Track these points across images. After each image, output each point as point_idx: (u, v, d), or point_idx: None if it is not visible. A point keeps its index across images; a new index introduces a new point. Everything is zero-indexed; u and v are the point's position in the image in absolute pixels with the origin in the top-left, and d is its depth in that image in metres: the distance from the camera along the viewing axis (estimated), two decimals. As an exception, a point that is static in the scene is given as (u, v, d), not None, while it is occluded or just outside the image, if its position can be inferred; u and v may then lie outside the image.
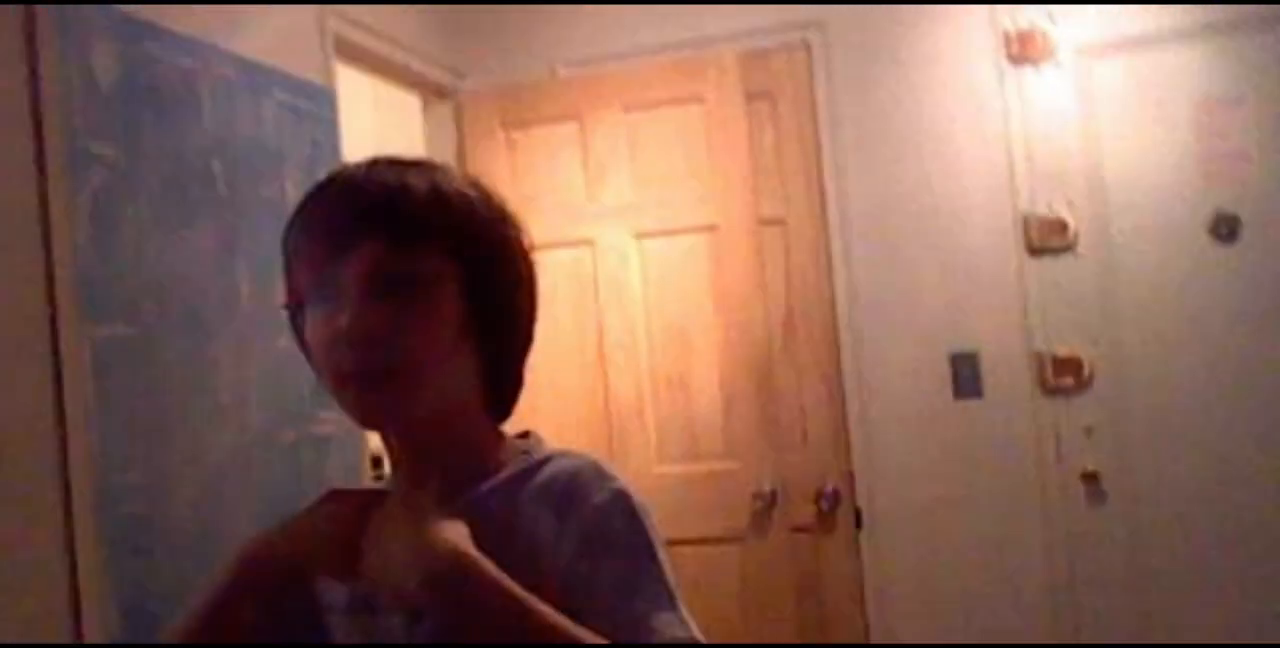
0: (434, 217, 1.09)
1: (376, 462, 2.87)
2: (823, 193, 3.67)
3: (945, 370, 3.58)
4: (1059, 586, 3.49)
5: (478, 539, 1.04)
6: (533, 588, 1.01)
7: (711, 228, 3.57)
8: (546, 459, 1.15)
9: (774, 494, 3.47)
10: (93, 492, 1.99)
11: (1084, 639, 3.45)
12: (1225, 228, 3.43)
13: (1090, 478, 3.49)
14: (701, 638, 1.08)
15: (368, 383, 1.06)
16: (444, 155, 3.71)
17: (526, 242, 1.17)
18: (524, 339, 1.18)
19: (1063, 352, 3.52)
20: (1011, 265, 3.57)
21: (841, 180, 3.66)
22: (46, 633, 1.90)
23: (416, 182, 1.10)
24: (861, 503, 3.58)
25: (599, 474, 1.12)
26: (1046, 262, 3.56)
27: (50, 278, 1.98)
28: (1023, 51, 3.57)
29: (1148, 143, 3.50)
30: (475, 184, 1.15)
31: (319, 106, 2.86)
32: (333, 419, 2.63)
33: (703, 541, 3.51)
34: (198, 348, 2.28)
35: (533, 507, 1.10)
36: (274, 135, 2.65)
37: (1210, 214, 3.43)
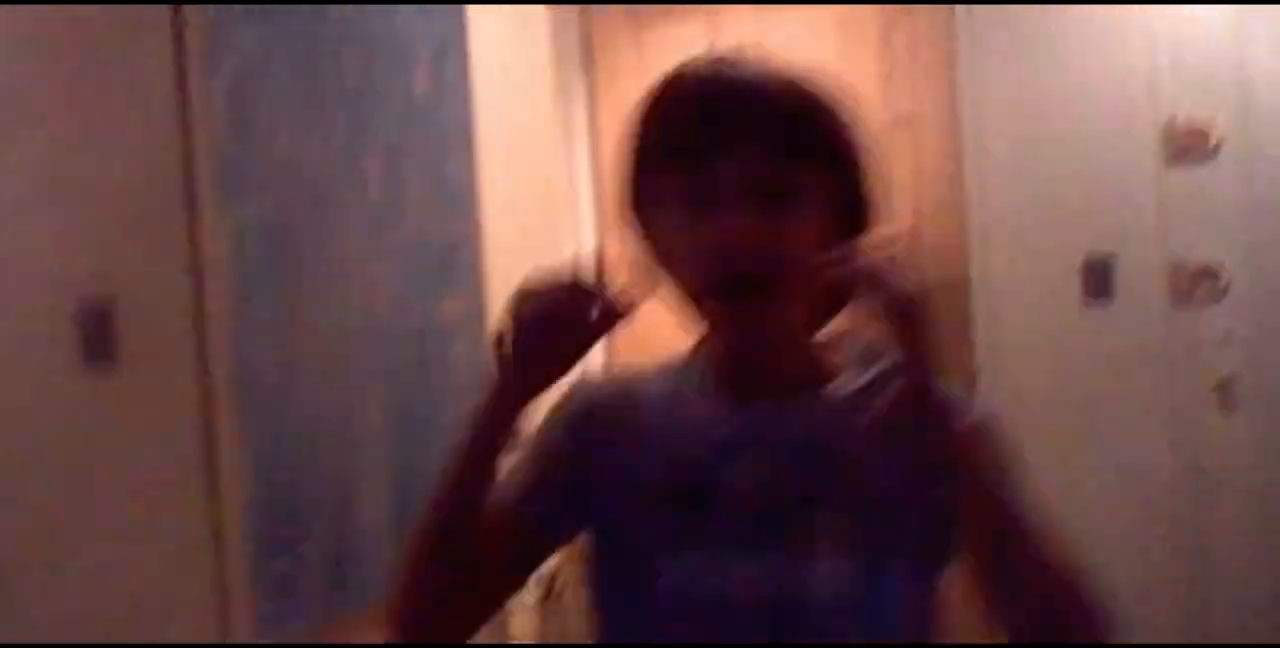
0: (822, 126, 1.06)
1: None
2: (956, 93, 3.59)
3: (1077, 274, 3.51)
4: (1182, 492, 3.44)
5: (836, 442, 1.06)
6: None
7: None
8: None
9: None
10: (230, 365, 2.08)
11: (1207, 548, 3.41)
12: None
13: (1221, 387, 3.42)
14: None
15: (738, 290, 1.03)
16: (570, 52, 3.73)
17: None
18: None
19: (1200, 260, 3.43)
20: (1151, 171, 3.47)
21: (977, 81, 3.57)
22: (182, 500, 2.00)
23: (803, 87, 1.06)
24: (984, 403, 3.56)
25: (959, 394, 1.06)
26: (1188, 169, 3.45)
27: (189, 159, 2.05)
28: (1174, -43, 3.44)
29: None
30: (845, 96, 1.10)
31: (447, 4, 2.89)
32: (459, 308, 2.70)
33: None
34: (328, 231, 2.36)
35: (885, 422, 1.01)
36: (403, 30, 2.69)
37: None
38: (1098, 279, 3.50)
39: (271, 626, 2.00)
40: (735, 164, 1.03)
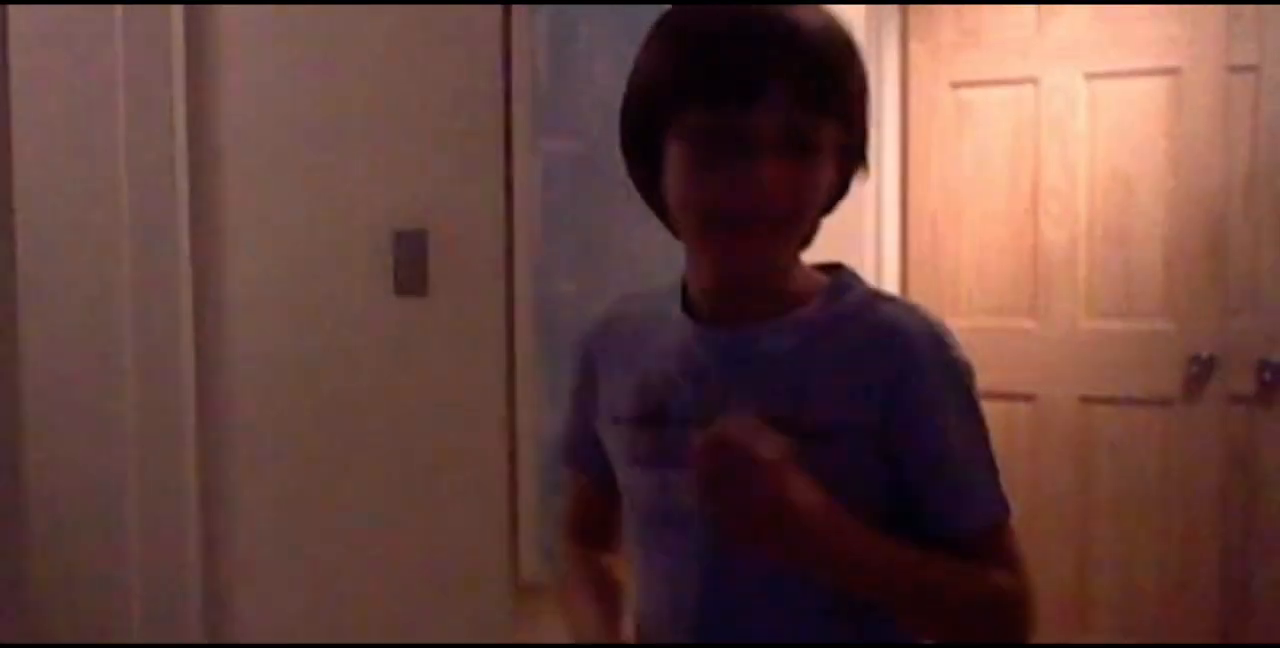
0: (852, 82, 1.08)
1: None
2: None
3: None
4: None
5: (774, 365, 1.11)
6: (815, 423, 1.06)
7: (1172, 72, 3.30)
8: (872, 301, 1.14)
9: (1211, 360, 3.24)
10: (535, 297, 2.13)
11: None
12: None
13: None
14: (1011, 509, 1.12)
15: (748, 229, 1.06)
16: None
17: None
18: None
19: None
20: None
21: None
22: (482, 433, 2.06)
23: (837, 33, 1.06)
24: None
25: (945, 340, 1.10)
26: None
27: (508, 95, 2.09)
28: None
29: None
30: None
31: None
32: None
33: (1126, 401, 3.36)
34: (634, 169, 2.37)
35: (857, 350, 1.10)
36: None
37: None
38: None
39: (557, 559, 2.05)
40: (778, 111, 1.03)
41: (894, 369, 1.08)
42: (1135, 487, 3.37)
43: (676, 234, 1.16)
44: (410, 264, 2.06)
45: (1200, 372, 3.26)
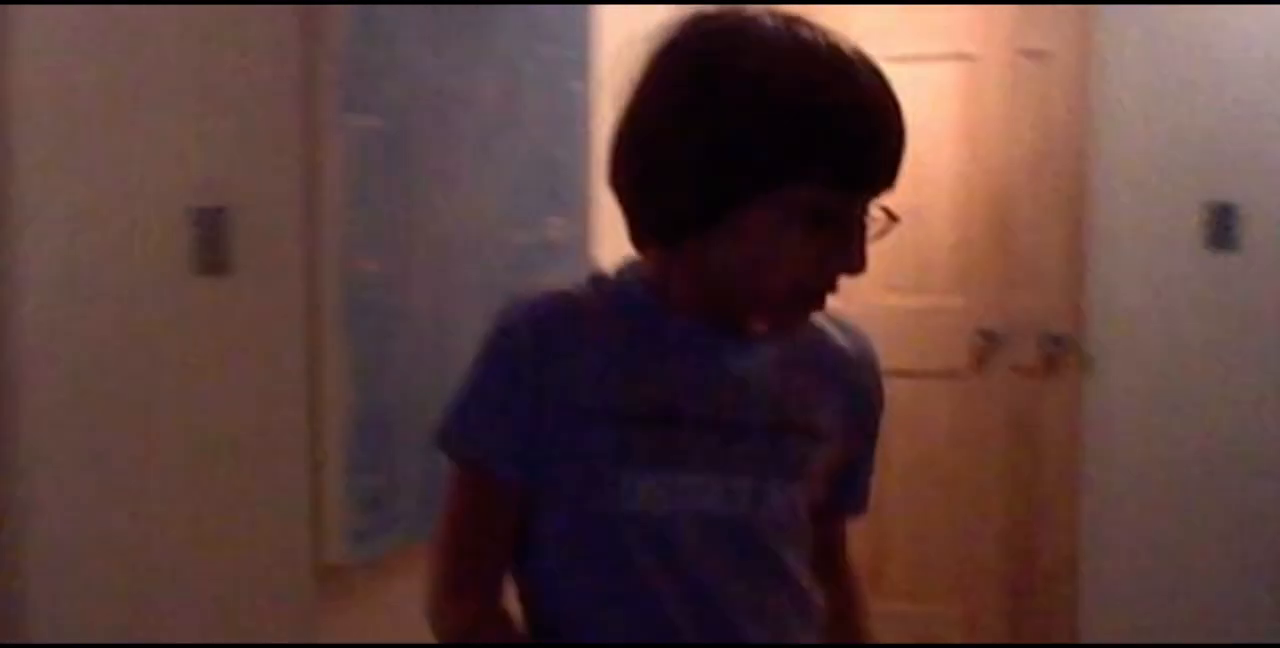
0: None
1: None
2: (1095, 28, 3.44)
3: (1198, 221, 3.38)
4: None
5: (778, 372, 1.16)
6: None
7: (965, 57, 3.44)
8: (831, 316, 1.21)
9: (998, 333, 3.41)
10: (340, 275, 2.10)
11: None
12: None
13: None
14: None
15: (813, 307, 1.11)
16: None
17: None
18: None
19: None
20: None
21: (1118, 16, 3.41)
22: (285, 415, 2.04)
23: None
24: (1092, 350, 3.47)
25: (877, 356, 1.26)
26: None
27: (313, 71, 2.06)
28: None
29: None
30: None
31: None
32: (561, 225, 2.69)
33: (919, 374, 3.50)
34: (443, 145, 2.35)
35: (842, 362, 1.22)
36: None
37: None
38: (1222, 225, 3.36)
39: (362, 542, 2.04)
40: (873, 194, 1.07)
41: (873, 381, 1.25)
42: (926, 456, 3.53)
43: (641, 246, 1.15)
44: (209, 242, 2.01)
45: (987, 345, 3.43)
